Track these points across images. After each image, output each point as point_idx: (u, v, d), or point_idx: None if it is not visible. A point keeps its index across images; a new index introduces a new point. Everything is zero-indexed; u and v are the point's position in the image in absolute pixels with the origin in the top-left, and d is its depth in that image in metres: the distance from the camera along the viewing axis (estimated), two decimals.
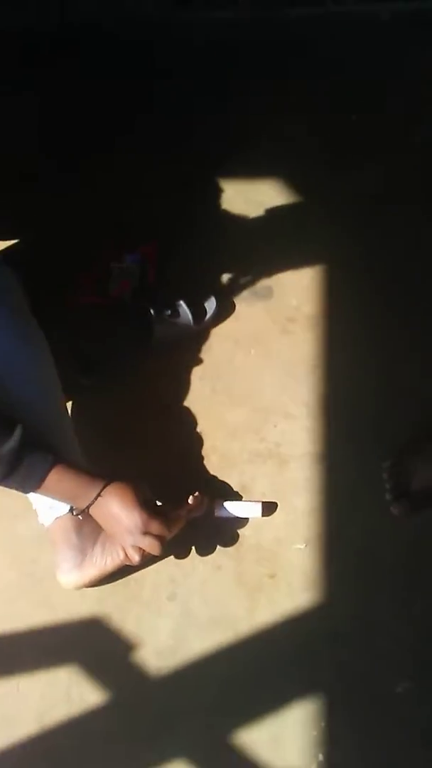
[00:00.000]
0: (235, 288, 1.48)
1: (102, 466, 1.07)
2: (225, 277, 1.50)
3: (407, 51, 1.82)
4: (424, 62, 1.80)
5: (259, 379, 1.36)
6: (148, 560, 1.10)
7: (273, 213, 1.59)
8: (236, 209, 1.61)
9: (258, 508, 1.18)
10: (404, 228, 1.52)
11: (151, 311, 1.35)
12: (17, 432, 0.95)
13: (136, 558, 1.03)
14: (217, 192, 1.64)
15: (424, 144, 1.65)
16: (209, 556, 1.16)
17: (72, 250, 1.54)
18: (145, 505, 1.03)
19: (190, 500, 1.12)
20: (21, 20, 1.99)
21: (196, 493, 1.13)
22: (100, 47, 1.94)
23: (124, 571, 1.11)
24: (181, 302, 1.38)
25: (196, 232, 1.56)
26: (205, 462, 1.26)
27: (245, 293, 1.47)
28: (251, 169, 1.67)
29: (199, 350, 1.40)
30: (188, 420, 1.31)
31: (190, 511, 1.12)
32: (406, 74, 1.78)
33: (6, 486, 0.97)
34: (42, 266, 1.49)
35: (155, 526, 1.02)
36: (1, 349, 1.09)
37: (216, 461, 1.26)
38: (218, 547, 1.17)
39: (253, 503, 1.18)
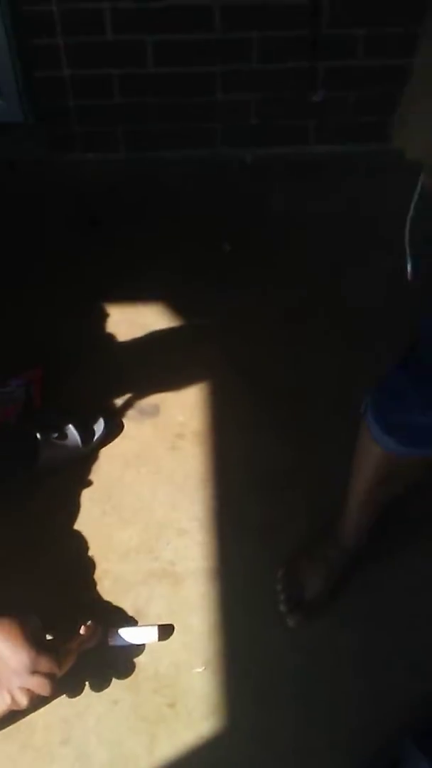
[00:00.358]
0: (122, 407, 1.50)
1: None
2: (112, 397, 1.52)
3: (269, 191, 2.03)
4: (285, 202, 2.01)
5: (150, 496, 1.35)
6: (38, 702, 1.02)
7: (156, 335, 1.66)
8: (121, 332, 1.66)
9: (154, 633, 1.14)
10: (279, 346, 1.63)
11: (37, 434, 1.33)
12: None
13: (24, 702, 0.96)
14: (103, 316, 1.70)
15: (280, 276, 1.81)
16: (104, 691, 1.10)
17: None
18: (33, 640, 0.97)
19: (82, 630, 1.07)
20: None
21: (89, 622, 1.09)
22: None
23: (12, 716, 1.02)
24: (69, 425, 1.38)
25: (83, 355, 1.60)
26: (97, 587, 1.22)
27: (132, 412, 1.50)
28: (135, 295, 1.75)
29: (88, 471, 1.39)
30: (78, 543, 1.28)
31: (82, 643, 1.06)
32: (268, 212, 1.98)
33: None
34: None
35: (45, 664, 0.96)
36: None
37: (109, 585, 1.22)
38: (114, 679, 1.11)
39: (149, 628, 1.14)
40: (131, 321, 1.68)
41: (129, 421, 1.48)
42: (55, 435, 1.36)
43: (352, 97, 2.04)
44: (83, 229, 1.93)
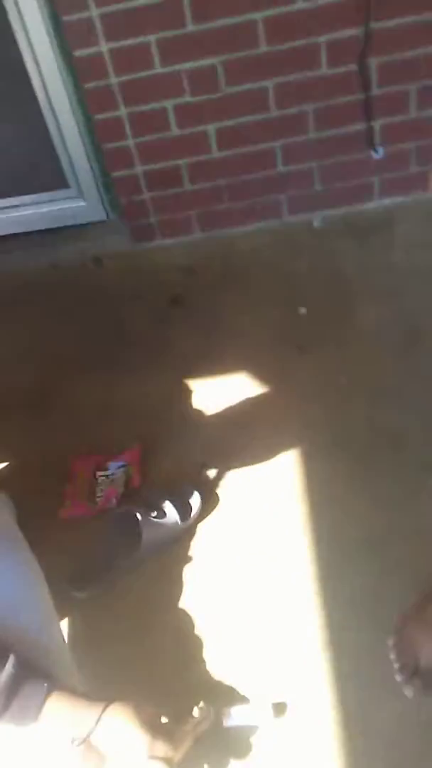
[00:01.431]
0: (216, 480, 1.53)
1: (99, 685, 1.04)
2: (207, 471, 1.55)
3: (340, 251, 2.06)
4: (357, 259, 2.03)
5: (250, 569, 1.36)
6: None
7: (244, 406, 1.69)
8: (210, 406, 1.71)
9: (269, 711, 1.12)
10: (360, 408, 1.62)
11: (138, 515, 1.38)
12: (10, 662, 0.93)
13: None
14: (191, 392, 1.76)
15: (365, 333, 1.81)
16: None
17: (56, 464, 1.61)
18: (149, 725, 0.98)
19: (196, 713, 1.07)
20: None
21: (201, 704, 1.09)
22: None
23: None
24: (167, 502, 1.42)
25: (175, 432, 1.65)
26: (206, 666, 1.22)
27: (226, 484, 1.52)
28: (219, 369, 1.80)
29: (188, 547, 1.42)
30: (185, 622, 1.29)
31: (197, 725, 1.06)
32: (341, 271, 2.00)
33: (2, 722, 0.93)
34: (28, 483, 1.56)
35: (161, 748, 0.96)
36: None
37: (218, 664, 1.22)
38: (231, 760, 1.10)
39: (263, 706, 1.13)
40: (219, 394, 1.73)
41: (224, 493, 1.51)
42: (154, 514, 1.40)
43: (412, 148, 2.06)
44: (166, 310, 2.02)
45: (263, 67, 1.90)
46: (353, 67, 1.90)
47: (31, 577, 1.15)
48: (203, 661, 1.23)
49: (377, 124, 2.01)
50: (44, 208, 2.30)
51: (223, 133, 2.02)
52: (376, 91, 1.95)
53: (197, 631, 1.28)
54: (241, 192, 2.14)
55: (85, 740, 0.96)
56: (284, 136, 2.03)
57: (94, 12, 1.80)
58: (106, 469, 1.57)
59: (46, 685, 0.94)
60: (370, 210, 2.16)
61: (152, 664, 1.23)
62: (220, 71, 1.90)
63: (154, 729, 0.98)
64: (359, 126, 2.01)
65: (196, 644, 1.25)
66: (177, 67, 1.90)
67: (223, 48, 1.86)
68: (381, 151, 2.05)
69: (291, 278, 2.02)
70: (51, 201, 2.29)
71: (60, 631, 1.14)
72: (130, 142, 2.05)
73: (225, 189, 2.14)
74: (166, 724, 1.03)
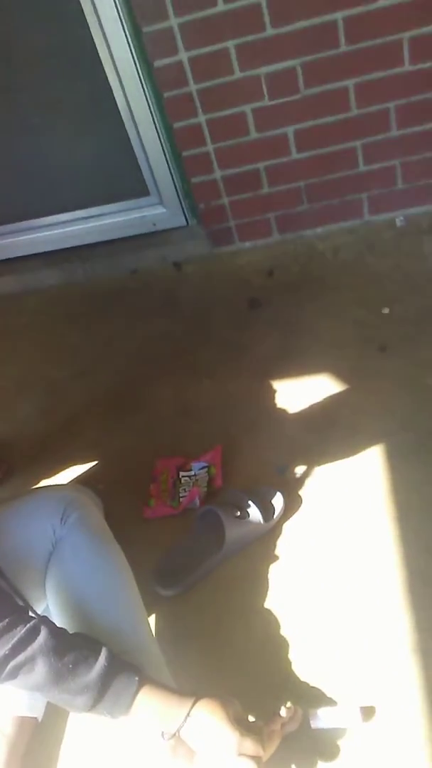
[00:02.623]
0: (299, 480, 1.52)
1: (187, 681, 1.05)
2: (288, 471, 1.55)
3: (424, 250, 2.01)
4: None
5: (337, 570, 1.34)
6: None
7: (327, 405, 1.68)
8: (293, 406, 1.71)
9: (357, 715, 1.10)
10: None
11: (222, 515, 1.39)
12: (103, 655, 0.95)
13: None
14: (273, 393, 1.76)
15: None
16: None
17: (140, 464, 1.64)
18: (237, 722, 0.98)
19: (283, 712, 1.06)
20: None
21: (289, 704, 1.08)
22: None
23: None
24: (250, 502, 1.43)
25: (257, 432, 1.66)
26: (293, 667, 1.21)
27: (309, 483, 1.51)
28: (302, 369, 1.79)
29: (272, 546, 1.41)
30: (270, 622, 1.29)
31: (284, 725, 1.06)
32: (424, 271, 1.96)
33: (96, 713, 0.95)
34: (113, 483, 1.60)
35: (250, 746, 0.96)
36: (82, 571, 1.14)
37: (306, 665, 1.21)
38: (319, 762, 1.09)
39: (351, 709, 1.11)
40: (299, 394, 1.72)
41: (308, 493, 1.50)
42: (238, 513, 1.40)
43: None
44: (245, 312, 2.04)
45: (344, 67, 1.89)
46: None
47: (122, 574, 1.18)
48: (290, 662, 1.22)
49: None
50: (126, 216, 2.36)
51: (302, 135, 2.02)
52: None
53: (282, 631, 1.27)
54: (320, 193, 2.13)
55: (174, 735, 0.98)
56: (365, 135, 2.01)
57: (174, 21, 1.84)
58: (189, 470, 1.59)
59: (137, 678, 0.96)
60: None
61: (238, 662, 1.24)
62: (299, 73, 1.90)
63: (242, 725, 0.98)
64: None
65: (282, 644, 1.25)
66: (256, 71, 1.92)
67: (303, 50, 1.86)
68: None
69: (373, 278, 2.00)
70: (132, 209, 2.35)
71: (149, 627, 1.17)
72: (209, 147, 2.08)
73: (304, 190, 2.13)
74: (254, 722, 1.04)
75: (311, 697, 1.16)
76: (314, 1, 1.77)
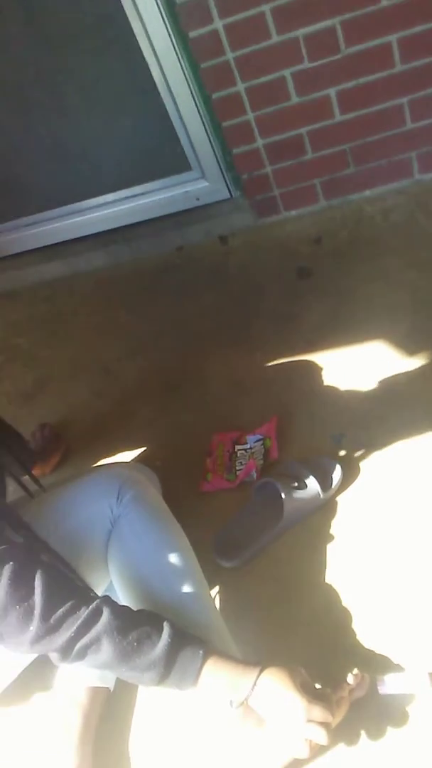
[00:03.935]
0: (357, 452, 1.50)
1: (252, 650, 1.06)
2: (346, 443, 1.53)
3: None
4: None
5: (395, 540, 1.32)
6: (316, 751, 1.03)
7: (384, 374, 1.64)
8: (347, 377, 1.68)
9: (426, 680, 1.09)
10: None
11: (279, 487, 1.39)
12: (165, 630, 0.96)
13: (305, 751, 0.98)
14: (326, 364, 1.73)
15: None
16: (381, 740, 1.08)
17: (195, 440, 1.65)
18: (305, 689, 0.99)
19: (350, 679, 1.06)
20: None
21: (356, 671, 1.08)
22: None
23: (294, 765, 1.05)
24: (307, 473, 1.42)
25: (313, 404, 1.64)
26: (358, 636, 1.21)
27: (367, 455, 1.49)
28: (355, 337, 1.76)
29: (330, 518, 1.41)
30: (330, 595, 1.28)
31: (352, 692, 1.06)
32: None
33: (164, 687, 0.97)
34: (170, 459, 1.61)
35: (318, 713, 0.97)
36: (141, 548, 1.16)
37: (369, 633, 1.20)
38: (388, 728, 1.09)
39: (418, 674, 1.10)
40: (352, 364, 1.69)
41: (366, 464, 1.48)
42: (295, 485, 1.40)
43: None
44: (294, 283, 2.01)
45: (385, 22, 1.82)
46: None
47: (181, 549, 1.19)
48: (354, 631, 1.22)
49: None
50: (169, 193, 2.34)
51: (345, 96, 1.96)
52: None
53: (344, 602, 1.26)
54: (367, 154, 2.07)
55: (242, 703, 0.99)
56: (412, 91, 1.93)
57: None
58: (245, 443, 1.59)
59: (201, 651, 0.97)
60: None
61: (302, 633, 1.24)
62: (339, 32, 1.84)
63: (310, 693, 0.99)
64: None
65: (345, 614, 1.24)
66: (293, 33, 1.86)
67: (342, 7, 1.80)
68: None
69: (426, 239, 1.93)
70: (175, 185, 2.33)
71: (211, 599, 1.18)
72: (250, 116, 2.04)
73: (350, 153, 2.07)
74: (321, 689, 1.04)
75: (378, 664, 1.15)
76: None
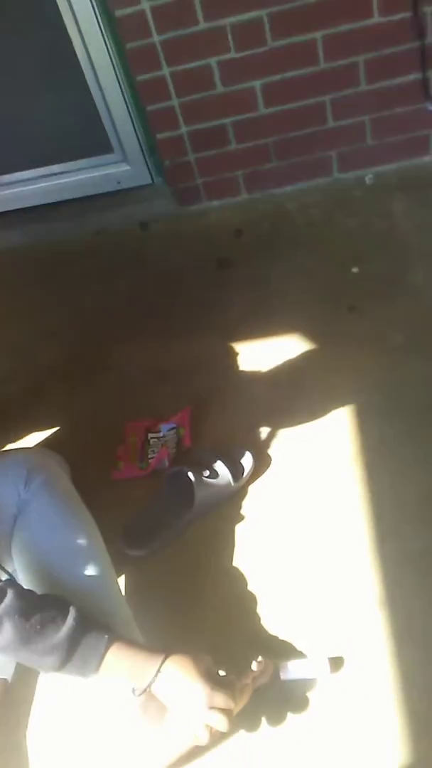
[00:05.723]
0: (268, 440, 1.52)
1: (157, 638, 1.05)
2: (257, 431, 1.54)
3: (394, 208, 2.00)
4: (411, 216, 1.96)
5: (305, 528, 1.35)
6: (217, 738, 1.04)
7: (296, 364, 1.67)
8: (261, 366, 1.70)
9: (325, 665, 1.12)
10: (417, 363, 1.58)
11: (191, 475, 1.38)
12: (71, 615, 0.95)
13: (205, 737, 0.98)
14: (241, 353, 1.75)
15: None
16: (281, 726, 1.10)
17: (108, 427, 1.62)
18: (208, 676, 0.99)
19: (254, 666, 1.07)
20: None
21: (260, 658, 1.09)
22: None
23: (192, 753, 1.05)
24: (219, 462, 1.42)
25: (226, 392, 1.65)
26: (262, 622, 1.23)
27: (279, 443, 1.51)
28: (271, 328, 1.78)
29: (239, 506, 1.42)
30: (237, 580, 1.30)
31: (255, 679, 1.07)
32: (394, 229, 1.94)
33: (65, 673, 0.95)
34: (82, 446, 1.58)
35: (221, 699, 0.97)
36: (48, 533, 1.13)
37: (273, 619, 1.22)
38: (288, 714, 1.10)
39: (319, 660, 1.13)
40: (269, 354, 1.71)
41: (276, 452, 1.50)
42: (207, 473, 1.40)
43: None
44: (214, 272, 2.00)
45: (312, 19, 1.84)
46: (407, 14, 1.81)
47: (89, 536, 1.17)
48: (259, 617, 1.23)
49: None
50: (89, 174, 2.29)
51: (270, 89, 1.97)
52: (431, 39, 1.86)
53: (252, 588, 1.28)
54: (289, 149, 2.09)
55: (145, 690, 0.98)
56: (334, 90, 1.97)
57: None
58: (158, 431, 1.58)
59: (106, 636, 0.96)
60: (427, 164, 2.09)
61: (208, 619, 1.24)
62: (266, 24, 1.85)
63: (213, 680, 0.99)
64: (414, 76, 1.93)
65: (252, 601, 1.25)
66: (221, 21, 1.85)
67: (270, 0, 1.81)
68: None
69: (342, 237, 1.98)
70: (96, 167, 2.28)
71: (118, 587, 1.16)
72: (174, 102, 2.02)
73: (272, 147, 2.09)
74: (225, 676, 1.04)
75: (281, 651, 1.17)
76: None
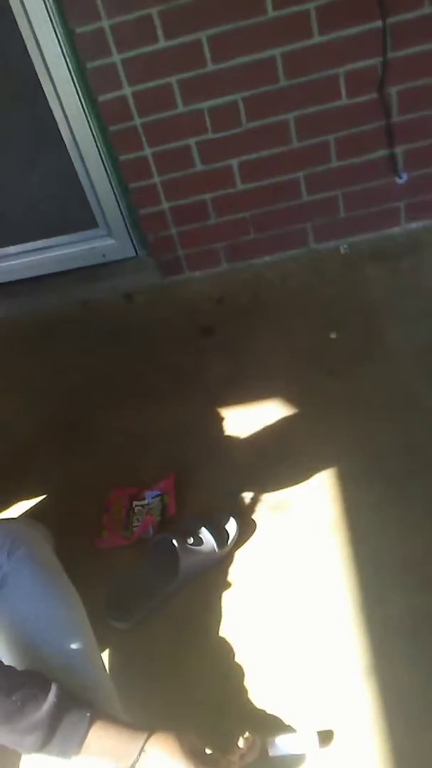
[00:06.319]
0: (252, 506, 1.52)
1: (141, 715, 1.03)
2: (241, 497, 1.55)
3: (369, 275, 2.07)
4: (385, 283, 2.04)
5: (290, 594, 1.34)
6: None
7: (278, 429, 1.69)
8: (244, 432, 1.72)
9: (314, 740, 1.09)
10: (399, 427, 1.60)
11: (175, 543, 1.38)
12: (52, 692, 0.93)
13: None
14: (223, 419, 1.77)
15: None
16: None
17: (92, 495, 1.62)
18: (193, 755, 0.96)
19: (241, 743, 1.05)
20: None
21: (247, 734, 1.06)
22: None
23: None
24: (204, 529, 1.42)
25: (210, 459, 1.66)
26: (250, 695, 1.20)
27: (263, 509, 1.51)
28: (252, 394, 1.81)
29: (225, 573, 1.41)
30: (225, 650, 1.28)
31: (243, 756, 1.04)
32: (370, 295, 2.01)
33: (46, 753, 0.92)
34: (65, 515, 1.57)
35: None
36: (30, 606, 1.11)
37: (262, 692, 1.20)
38: None
39: (308, 735, 1.10)
40: (251, 421, 1.73)
41: (261, 518, 1.50)
42: (191, 541, 1.39)
43: None
44: (196, 341, 2.05)
45: (283, 101, 1.94)
46: (373, 95, 1.93)
47: (72, 608, 1.16)
48: (246, 690, 1.20)
49: (400, 150, 2.03)
50: (75, 248, 2.35)
51: (246, 167, 2.06)
52: (397, 118, 1.97)
53: (238, 659, 1.26)
54: (266, 223, 2.18)
55: None
56: (307, 167, 2.06)
57: (117, 57, 1.87)
58: (142, 499, 1.58)
59: (88, 714, 0.94)
60: (397, 235, 2.17)
61: (194, 694, 1.22)
62: (241, 107, 1.95)
63: (199, 759, 0.97)
64: (382, 153, 2.03)
65: (238, 673, 1.23)
66: (198, 105, 1.96)
67: (243, 85, 1.92)
68: (405, 176, 2.06)
69: (320, 304, 2.04)
70: (81, 241, 2.35)
71: (101, 660, 1.14)
72: (156, 180, 2.10)
73: (250, 220, 2.17)
74: (211, 754, 1.02)
75: (269, 725, 1.15)
76: (253, 38, 1.83)
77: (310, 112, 1.96)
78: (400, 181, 2.07)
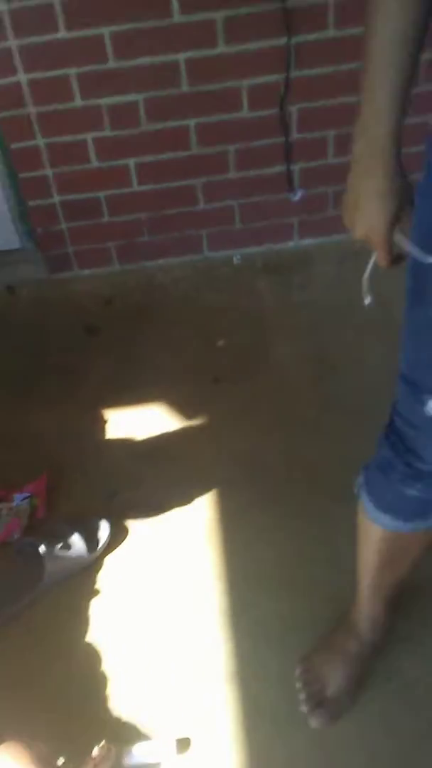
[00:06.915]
0: (126, 510, 1.49)
1: None
2: (116, 501, 1.51)
3: (259, 287, 2.11)
4: (275, 296, 2.08)
5: (160, 601, 1.32)
6: None
7: (157, 435, 1.67)
8: (122, 435, 1.68)
9: (172, 747, 1.08)
10: (277, 439, 1.63)
11: (42, 547, 1.32)
12: None
13: None
14: (104, 422, 1.72)
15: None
16: None
17: None
18: (43, 764, 0.92)
19: (95, 752, 1.01)
20: None
21: (102, 743, 1.03)
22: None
23: None
24: (74, 533, 1.37)
25: (86, 461, 1.61)
26: (110, 703, 1.16)
27: (137, 514, 1.48)
28: (135, 398, 1.78)
29: (94, 580, 1.36)
30: (90, 658, 1.23)
31: (96, 765, 1.01)
32: (259, 306, 2.04)
33: None
34: None
35: None
36: None
37: (122, 699, 1.17)
38: None
39: (165, 742, 1.08)
40: (132, 424, 1.70)
41: (134, 523, 1.47)
42: (60, 546, 1.34)
43: (329, 192, 2.14)
44: (81, 340, 1.99)
45: (185, 107, 1.94)
46: (274, 111, 1.96)
47: None
48: (107, 697, 1.17)
49: (296, 168, 2.08)
50: None
51: (143, 168, 2.04)
52: (295, 136, 2.02)
53: (102, 665, 1.22)
54: (161, 226, 2.16)
55: None
56: (205, 174, 2.07)
57: (13, 42, 1.80)
58: (11, 501, 1.50)
59: None
60: (289, 249, 2.22)
61: (54, 700, 1.17)
62: (141, 107, 1.93)
63: None
64: (279, 168, 2.07)
65: (101, 679, 1.19)
66: (97, 101, 1.92)
67: (145, 85, 1.90)
68: (300, 193, 2.12)
69: (209, 312, 2.04)
70: None
71: None
72: (48, 171, 2.04)
73: (145, 222, 2.15)
74: (63, 764, 0.97)
75: (127, 733, 1.12)
76: (157, 40, 1.82)
77: (212, 121, 1.97)
78: (294, 199, 2.12)
